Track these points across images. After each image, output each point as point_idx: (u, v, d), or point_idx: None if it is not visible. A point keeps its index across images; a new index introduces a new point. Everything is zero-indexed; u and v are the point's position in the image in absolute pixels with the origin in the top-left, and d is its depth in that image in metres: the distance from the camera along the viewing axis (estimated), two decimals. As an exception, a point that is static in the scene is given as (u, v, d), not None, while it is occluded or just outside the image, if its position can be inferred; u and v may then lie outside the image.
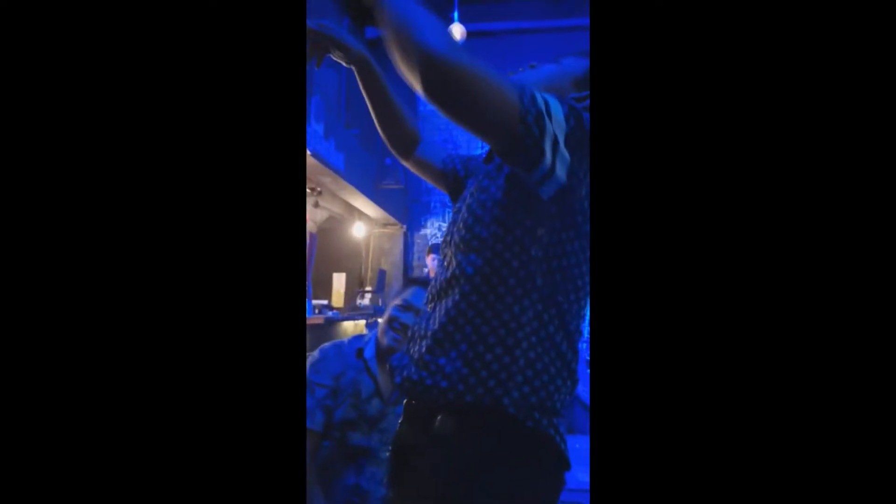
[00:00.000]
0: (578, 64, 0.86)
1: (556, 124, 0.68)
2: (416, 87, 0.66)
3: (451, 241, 0.80)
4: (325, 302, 3.12)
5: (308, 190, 2.87)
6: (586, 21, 4.39)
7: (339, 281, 3.46)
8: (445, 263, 0.81)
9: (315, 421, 1.46)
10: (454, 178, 1.00)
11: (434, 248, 3.61)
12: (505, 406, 0.71)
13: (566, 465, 0.76)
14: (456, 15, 3.20)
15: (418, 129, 1.03)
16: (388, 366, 0.88)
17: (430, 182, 1.05)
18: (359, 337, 1.59)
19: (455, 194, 1.00)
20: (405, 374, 0.78)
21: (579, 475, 1.50)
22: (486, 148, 0.82)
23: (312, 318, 2.55)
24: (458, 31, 3.06)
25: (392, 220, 4.00)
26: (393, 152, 1.05)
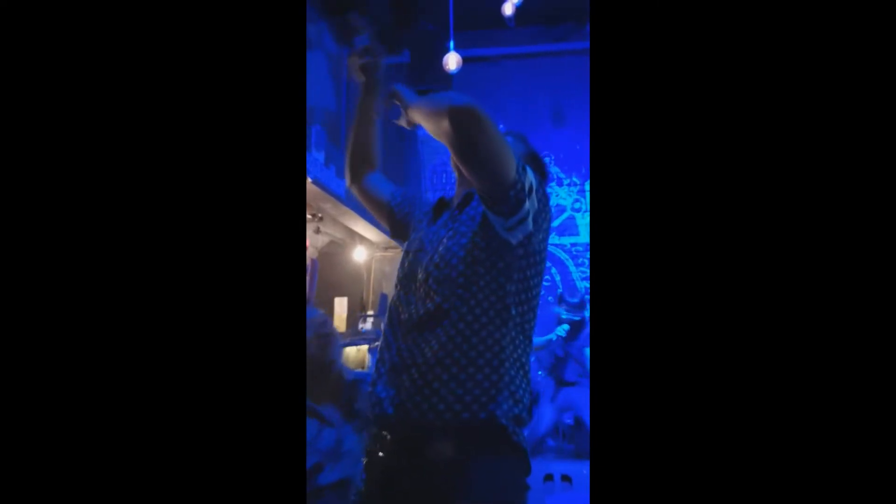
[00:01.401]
0: (517, 146, 1.01)
1: (530, 180, 0.85)
2: (444, 132, 0.80)
3: (426, 278, 0.89)
4: (327, 327, 3.11)
5: (309, 216, 2.88)
6: (580, 45, 4.47)
7: (340, 305, 3.46)
8: (420, 298, 0.89)
9: None
10: (398, 212, 1.10)
11: None
12: (497, 418, 0.82)
13: (528, 472, 0.86)
14: (452, 44, 3.26)
15: (379, 159, 1.13)
16: (373, 397, 0.90)
17: (370, 210, 1.14)
18: None
19: (395, 228, 1.11)
20: (396, 402, 0.86)
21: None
22: (439, 194, 0.99)
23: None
24: (454, 60, 3.12)
25: (393, 243, 4.01)
26: (348, 172, 1.13)
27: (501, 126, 0.98)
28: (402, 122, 0.95)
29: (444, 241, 0.91)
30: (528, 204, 0.83)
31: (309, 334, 1.45)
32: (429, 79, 4.26)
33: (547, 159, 4.78)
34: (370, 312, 3.80)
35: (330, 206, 2.80)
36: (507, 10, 3.95)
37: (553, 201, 4.77)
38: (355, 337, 3.33)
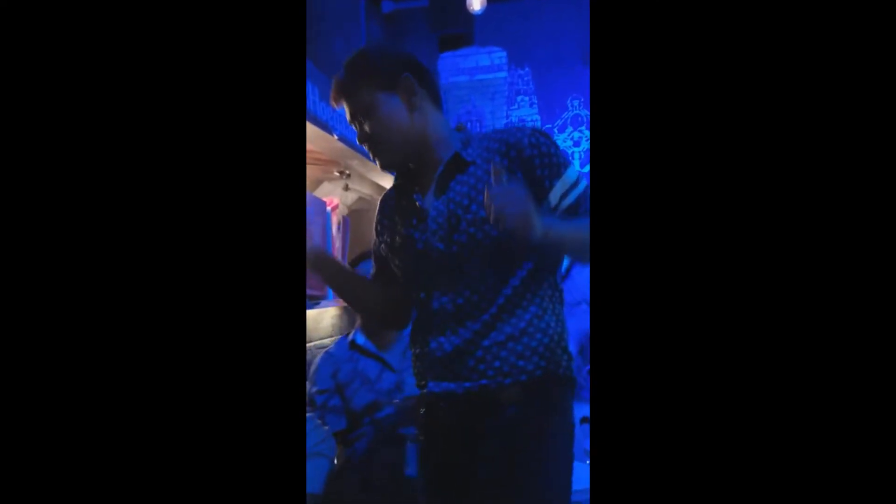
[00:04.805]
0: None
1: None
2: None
3: None
4: (361, 283, 3.15)
5: (337, 174, 2.88)
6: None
7: (372, 261, 3.50)
8: None
9: (331, 423, 1.52)
10: None
11: None
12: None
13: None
14: (475, -18, 3.10)
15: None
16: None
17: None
18: (343, 338, 1.67)
19: None
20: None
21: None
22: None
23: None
24: (478, 0, 2.98)
25: (421, 196, 4.00)
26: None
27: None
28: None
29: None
30: None
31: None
32: (450, 22, 4.09)
33: (577, 101, 4.61)
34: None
35: (357, 162, 2.78)
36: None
37: (584, 145, 4.63)
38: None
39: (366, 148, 0.95)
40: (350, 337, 1.65)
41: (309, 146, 2.44)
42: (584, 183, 0.89)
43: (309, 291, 2.48)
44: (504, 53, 4.70)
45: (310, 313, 2.47)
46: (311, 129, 2.20)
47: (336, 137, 2.33)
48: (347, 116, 0.94)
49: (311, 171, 2.87)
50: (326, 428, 1.50)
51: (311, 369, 1.64)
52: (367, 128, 0.92)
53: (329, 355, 1.64)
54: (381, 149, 0.93)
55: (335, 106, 0.95)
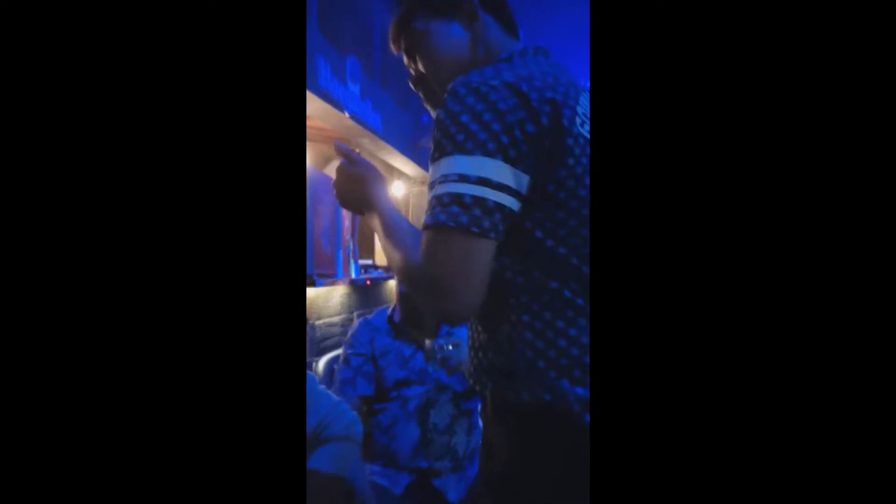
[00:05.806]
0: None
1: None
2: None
3: None
4: (370, 261, 3.19)
5: (347, 152, 2.88)
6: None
7: (381, 240, 3.51)
8: None
9: (360, 387, 1.54)
10: None
11: None
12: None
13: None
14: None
15: None
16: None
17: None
18: (383, 309, 1.68)
19: None
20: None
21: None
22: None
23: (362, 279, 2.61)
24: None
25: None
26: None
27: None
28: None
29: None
30: None
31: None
32: None
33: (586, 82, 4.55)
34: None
35: (367, 140, 2.79)
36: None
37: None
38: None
39: (420, 94, 0.71)
40: (389, 311, 1.65)
41: (320, 123, 2.45)
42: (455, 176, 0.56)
43: (319, 270, 2.50)
44: (515, 34, 4.64)
45: (319, 291, 2.48)
46: (322, 106, 2.20)
47: (348, 115, 2.33)
48: (404, 59, 0.72)
49: (322, 149, 2.88)
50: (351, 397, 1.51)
51: (350, 332, 1.65)
52: (419, 65, 0.69)
53: (367, 322, 1.64)
54: (434, 90, 0.69)
55: (396, 51, 0.73)
